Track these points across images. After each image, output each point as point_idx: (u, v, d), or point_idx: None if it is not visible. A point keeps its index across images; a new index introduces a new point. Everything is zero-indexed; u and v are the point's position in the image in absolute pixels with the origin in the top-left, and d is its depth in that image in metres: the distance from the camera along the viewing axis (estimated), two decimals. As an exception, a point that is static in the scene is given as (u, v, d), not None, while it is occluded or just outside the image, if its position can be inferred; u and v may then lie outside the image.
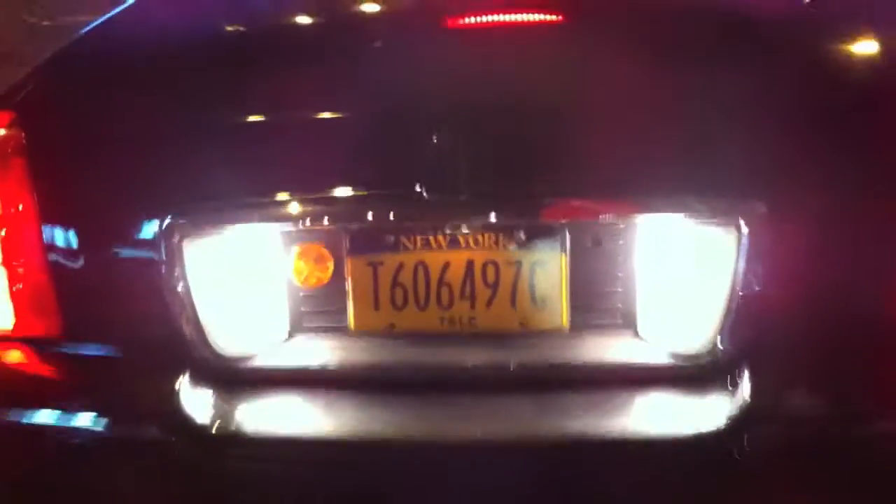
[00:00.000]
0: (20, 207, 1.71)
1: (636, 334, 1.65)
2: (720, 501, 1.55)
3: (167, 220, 1.63)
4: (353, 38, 1.76)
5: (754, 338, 1.56)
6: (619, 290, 1.65)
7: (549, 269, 1.62)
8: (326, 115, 1.67)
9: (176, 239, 1.63)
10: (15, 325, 1.75)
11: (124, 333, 1.70)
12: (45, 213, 1.71)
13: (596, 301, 1.65)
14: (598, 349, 1.64)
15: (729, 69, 1.59)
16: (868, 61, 1.67)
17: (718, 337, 1.57)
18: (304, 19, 1.90)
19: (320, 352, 1.69)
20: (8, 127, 1.73)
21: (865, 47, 1.70)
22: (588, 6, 1.79)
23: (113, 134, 1.70)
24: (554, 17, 1.74)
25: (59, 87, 1.85)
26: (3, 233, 1.72)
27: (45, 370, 1.75)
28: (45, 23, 7.92)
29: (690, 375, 1.59)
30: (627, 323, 1.65)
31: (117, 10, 2.07)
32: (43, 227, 1.71)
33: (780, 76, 1.59)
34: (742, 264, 1.53)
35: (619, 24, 1.73)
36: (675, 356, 1.61)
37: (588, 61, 1.64)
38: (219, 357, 1.67)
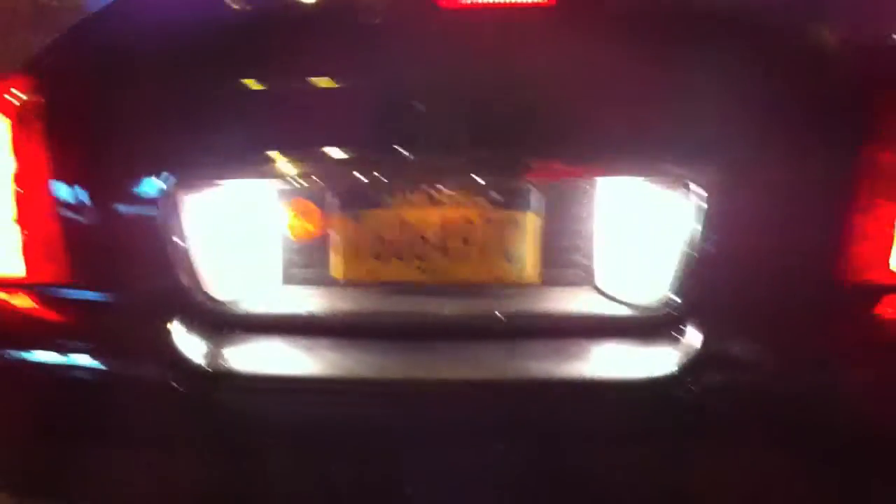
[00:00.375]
0: (35, 166, 1.85)
1: (598, 288, 1.78)
2: (672, 440, 1.68)
3: (166, 176, 1.77)
4: (342, 10, 1.89)
5: (704, 291, 1.69)
6: (585, 246, 1.78)
7: (520, 226, 1.75)
8: (316, 80, 1.79)
9: (174, 193, 1.77)
10: (27, 272, 1.88)
11: (127, 280, 1.83)
12: (57, 170, 1.84)
13: (563, 257, 1.79)
14: (563, 301, 1.78)
15: (688, 43, 1.73)
16: (819, 32, 1.79)
17: (672, 290, 1.70)
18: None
19: (307, 300, 1.83)
20: (29, 93, 1.87)
21: (817, 17, 1.82)
22: None
23: (119, 98, 1.84)
24: None
25: (75, 56, 1.99)
26: (19, 189, 1.85)
27: (54, 314, 1.89)
28: (54, 3, 8.05)
29: (646, 326, 1.72)
30: (592, 276, 1.79)
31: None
32: (54, 184, 1.84)
33: (735, 49, 1.72)
34: (694, 223, 1.66)
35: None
36: (632, 308, 1.75)
37: (559, 35, 1.78)
38: (214, 303, 1.81)
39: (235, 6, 2.01)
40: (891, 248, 1.71)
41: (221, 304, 1.82)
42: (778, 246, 1.69)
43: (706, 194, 1.66)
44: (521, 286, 1.78)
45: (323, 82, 1.80)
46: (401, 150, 1.70)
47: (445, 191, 1.76)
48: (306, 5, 1.99)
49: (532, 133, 1.72)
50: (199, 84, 1.82)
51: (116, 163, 1.83)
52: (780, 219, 1.68)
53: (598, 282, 1.78)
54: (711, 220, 1.66)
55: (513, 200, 1.75)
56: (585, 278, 1.79)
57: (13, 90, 1.87)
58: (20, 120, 1.84)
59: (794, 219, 1.68)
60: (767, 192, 1.67)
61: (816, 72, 1.71)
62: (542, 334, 1.74)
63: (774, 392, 1.67)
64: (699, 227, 1.67)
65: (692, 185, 1.66)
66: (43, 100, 1.85)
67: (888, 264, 1.71)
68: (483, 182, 1.74)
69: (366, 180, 1.75)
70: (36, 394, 1.84)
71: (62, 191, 1.84)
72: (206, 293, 1.81)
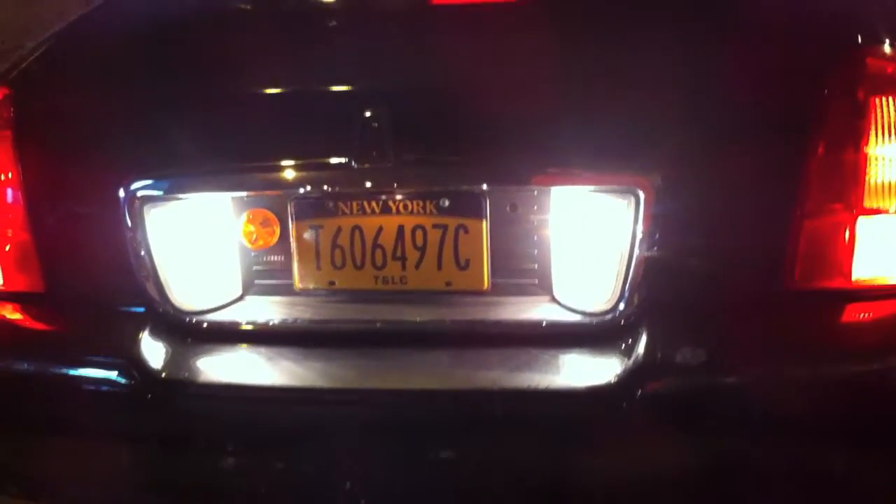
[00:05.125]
0: (8, 176, 1.91)
1: (549, 295, 1.78)
2: (623, 447, 1.67)
3: (131, 189, 1.81)
4: (296, 23, 1.93)
5: (656, 299, 1.68)
6: (535, 253, 1.77)
7: (471, 233, 1.75)
8: (274, 92, 1.84)
9: (139, 206, 1.81)
10: (4, 281, 1.96)
11: (96, 289, 1.90)
12: (28, 181, 1.90)
13: (514, 263, 1.78)
14: (514, 308, 1.77)
15: (632, 51, 1.73)
16: (762, 32, 1.77)
17: (620, 297, 1.69)
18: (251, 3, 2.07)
19: (268, 308, 1.86)
20: (1, 101, 1.93)
21: (751, 27, 1.79)
22: None
23: (87, 110, 1.90)
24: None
25: (48, 67, 2.06)
26: (-7, 199, 1.92)
27: (29, 321, 1.95)
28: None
29: (596, 333, 1.71)
30: (542, 284, 1.78)
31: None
32: (26, 194, 1.90)
33: (680, 54, 1.70)
34: (640, 231, 1.66)
35: (528, 6, 1.86)
36: (582, 315, 1.74)
37: (506, 42, 1.78)
38: (178, 312, 1.85)
39: (200, 21, 2.05)
40: (849, 253, 1.68)
41: (185, 313, 1.86)
42: (729, 252, 1.68)
43: (654, 202, 1.65)
44: (474, 293, 1.78)
45: (279, 96, 1.83)
46: (350, 159, 1.72)
47: (399, 199, 1.77)
48: (260, 16, 2.02)
49: (482, 141, 1.73)
50: (163, 98, 1.87)
51: (84, 175, 1.89)
52: (730, 224, 1.67)
53: (550, 288, 1.77)
54: (657, 227, 1.66)
55: (463, 208, 1.75)
56: (537, 284, 1.78)
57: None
58: None
59: (738, 226, 1.67)
60: (715, 197, 1.67)
61: (762, 72, 1.68)
62: (493, 342, 1.75)
63: (726, 399, 1.65)
64: (646, 234, 1.66)
65: (640, 193, 1.65)
66: (14, 110, 1.91)
67: (846, 270, 1.68)
68: (434, 190, 1.75)
69: (322, 190, 1.78)
70: (12, 398, 1.91)
71: (34, 201, 1.91)
72: (171, 303, 1.85)
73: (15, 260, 1.94)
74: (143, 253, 1.83)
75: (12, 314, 1.96)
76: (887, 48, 1.74)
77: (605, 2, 1.94)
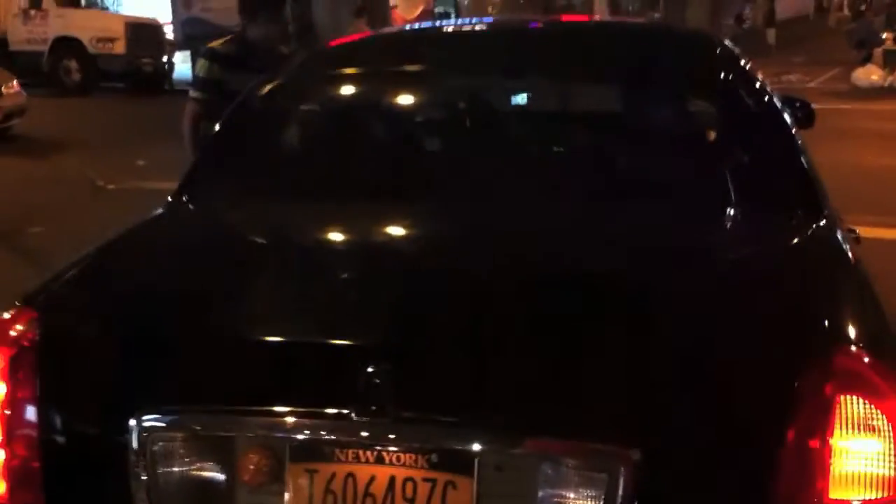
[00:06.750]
0: (27, 394, 2.02)
1: None
2: None
3: (140, 419, 1.92)
4: (304, 273, 2.16)
5: None
6: None
7: (459, 489, 1.85)
8: (282, 340, 2.01)
9: (145, 437, 1.92)
10: (4, 495, 2.03)
11: None
12: (44, 401, 2.01)
13: None
14: None
15: (618, 333, 1.90)
16: (730, 332, 1.94)
17: None
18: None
19: None
20: (27, 324, 2.08)
21: (726, 317, 1.98)
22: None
23: (105, 341, 2.06)
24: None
25: (73, 293, 2.24)
26: (8, 413, 2.02)
27: None
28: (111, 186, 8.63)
29: None
30: None
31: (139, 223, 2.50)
32: (41, 414, 2.01)
33: (658, 333, 1.89)
34: (630, 498, 1.77)
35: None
36: None
37: (502, 302, 1.99)
38: None
39: (212, 264, 2.26)
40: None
41: None
42: None
43: (634, 476, 1.76)
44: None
45: (287, 343, 2.00)
46: (349, 412, 1.85)
47: (393, 450, 1.87)
48: (268, 264, 2.24)
49: (476, 405, 1.86)
50: (176, 336, 2.04)
51: (97, 401, 2.01)
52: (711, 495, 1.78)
53: None
54: (640, 501, 1.76)
55: (453, 464, 1.84)
56: None
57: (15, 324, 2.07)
58: (15, 351, 2.03)
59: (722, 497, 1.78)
60: (693, 476, 1.78)
61: (736, 363, 1.85)
62: None
63: None
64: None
65: (621, 467, 1.76)
66: (39, 333, 2.05)
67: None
68: (428, 446, 1.86)
69: (320, 437, 1.89)
70: None
71: (46, 421, 2.01)
72: None
73: (19, 475, 2.02)
74: (142, 480, 1.92)
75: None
76: (853, 347, 1.90)
77: (591, 256, 2.20)
